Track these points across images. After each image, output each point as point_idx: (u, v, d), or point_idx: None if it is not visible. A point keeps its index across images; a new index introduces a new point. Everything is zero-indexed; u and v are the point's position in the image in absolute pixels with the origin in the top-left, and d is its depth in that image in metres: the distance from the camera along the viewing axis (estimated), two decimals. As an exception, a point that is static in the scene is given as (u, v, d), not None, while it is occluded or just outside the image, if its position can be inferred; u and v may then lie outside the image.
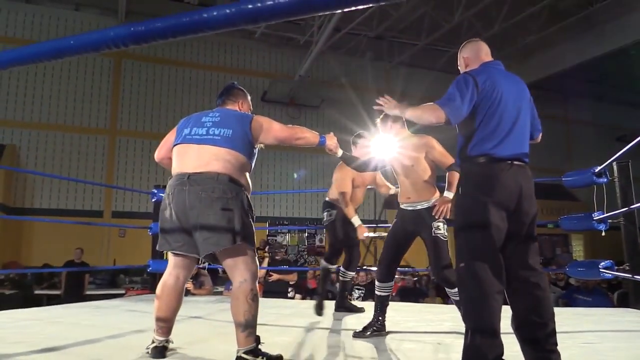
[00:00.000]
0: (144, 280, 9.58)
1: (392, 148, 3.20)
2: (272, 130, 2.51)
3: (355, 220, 3.83)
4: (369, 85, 14.30)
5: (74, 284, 8.23)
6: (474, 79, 2.12)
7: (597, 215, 4.02)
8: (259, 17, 0.82)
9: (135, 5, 11.70)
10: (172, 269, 2.45)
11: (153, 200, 5.53)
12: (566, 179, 4.41)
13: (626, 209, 3.78)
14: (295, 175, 13.17)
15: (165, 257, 5.16)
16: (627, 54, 14.48)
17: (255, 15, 0.81)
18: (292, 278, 6.85)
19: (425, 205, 3.12)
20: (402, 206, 3.23)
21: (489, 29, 12.53)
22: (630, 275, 3.74)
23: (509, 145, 2.11)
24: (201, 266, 2.28)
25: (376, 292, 3.21)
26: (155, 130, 11.62)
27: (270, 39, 13.06)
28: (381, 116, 3.29)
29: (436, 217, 3.05)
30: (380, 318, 3.15)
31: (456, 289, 2.94)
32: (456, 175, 3.10)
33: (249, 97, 2.76)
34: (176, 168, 2.42)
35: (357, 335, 3.06)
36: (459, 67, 2.43)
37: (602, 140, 17.02)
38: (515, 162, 2.10)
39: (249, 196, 2.43)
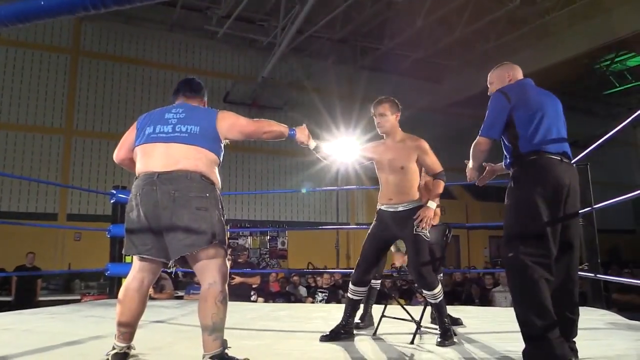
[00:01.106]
0: (101, 285, 9.30)
1: (354, 151, 3.16)
2: (237, 124, 2.41)
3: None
4: (332, 88, 14.36)
5: (25, 290, 7.90)
6: (505, 96, 2.41)
7: (557, 217, 4.12)
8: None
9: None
10: (137, 273, 2.33)
11: (112, 201, 5.35)
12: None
13: (586, 209, 3.88)
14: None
15: (125, 260, 4.99)
16: (581, 62, 15.04)
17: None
18: (255, 281, 6.76)
19: (408, 206, 3.05)
20: (382, 207, 3.14)
21: (449, 35, 12.77)
22: (592, 275, 3.84)
23: (553, 144, 2.34)
24: (170, 270, 2.18)
25: (348, 295, 3.12)
26: (114, 130, 11.29)
27: (233, 40, 12.92)
28: (376, 102, 3.17)
29: (417, 225, 2.98)
30: (349, 320, 3.09)
31: (432, 290, 2.93)
32: (442, 185, 3.09)
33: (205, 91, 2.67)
34: (142, 168, 2.30)
35: (325, 338, 3.00)
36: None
37: (556, 145, 17.58)
38: (564, 160, 2.31)
39: (219, 194, 2.35)
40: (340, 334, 3.02)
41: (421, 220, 2.97)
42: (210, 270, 2.20)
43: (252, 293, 6.77)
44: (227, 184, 12.33)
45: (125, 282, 2.36)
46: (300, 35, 11.76)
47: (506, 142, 2.45)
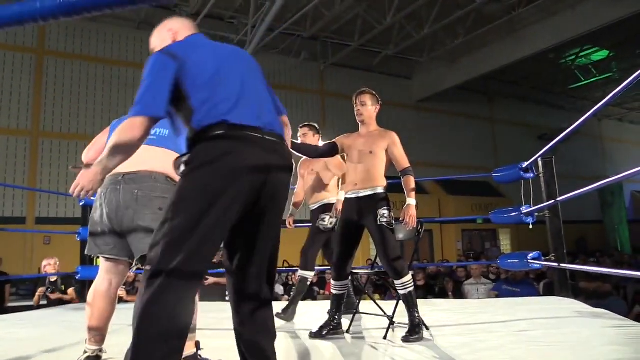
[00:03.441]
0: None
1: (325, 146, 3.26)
2: None
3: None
4: (303, 85, 14.36)
5: (-6, 295, 7.70)
6: (167, 58, 1.75)
7: (525, 209, 4.23)
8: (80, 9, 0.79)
9: None
10: (105, 274, 2.33)
11: (81, 204, 5.26)
12: (496, 175, 4.60)
13: (551, 202, 3.99)
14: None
15: (95, 263, 4.92)
16: (547, 57, 15.38)
17: (76, 8, 0.78)
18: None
19: (368, 192, 3.07)
20: (346, 196, 3.18)
21: (419, 31, 12.91)
22: (556, 264, 3.94)
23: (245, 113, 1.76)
24: (133, 270, 2.18)
25: (332, 291, 3.16)
26: (82, 131, 11.08)
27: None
28: (359, 91, 3.26)
29: (381, 216, 3.03)
30: (336, 317, 3.11)
31: (403, 280, 2.97)
32: (413, 180, 3.13)
33: None
34: None
35: (314, 335, 3.02)
36: None
37: (525, 138, 18.01)
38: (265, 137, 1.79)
39: None
40: (330, 330, 3.05)
41: (407, 222, 3.03)
42: None
43: (226, 293, 6.73)
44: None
45: (93, 285, 2.34)
46: (271, 33, 11.72)
47: (179, 120, 1.77)
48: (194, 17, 11.67)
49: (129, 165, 2.23)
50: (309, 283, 3.92)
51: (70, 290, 6.05)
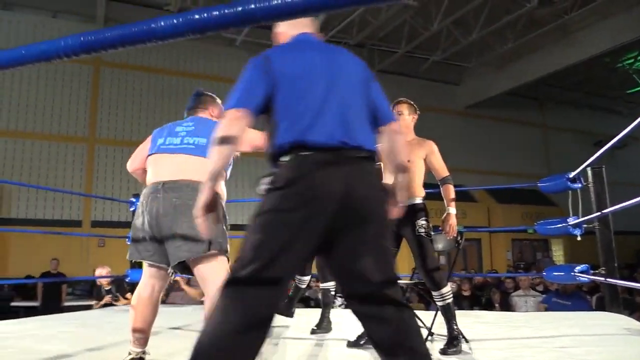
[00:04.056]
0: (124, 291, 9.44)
1: None
2: (247, 138, 2.47)
3: None
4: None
5: (51, 295, 8.10)
6: (263, 64, 1.77)
7: (572, 220, 4.09)
8: (206, 27, 0.82)
9: (113, 13, 11.63)
10: (147, 279, 2.42)
11: (131, 209, 5.47)
12: (542, 185, 4.48)
13: (600, 213, 3.85)
14: None
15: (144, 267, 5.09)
16: (602, 61, 14.81)
17: (202, 26, 0.82)
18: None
19: (407, 203, 3.03)
20: None
21: (467, 37, 12.70)
22: (603, 279, 3.80)
23: (317, 133, 1.62)
24: (170, 276, 2.26)
25: None
26: (135, 138, 11.50)
27: (251, 47, 13.04)
28: (395, 102, 3.20)
29: (419, 226, 3.00)
30: None
31: (442, 291, 2.93)
32: (453, 189, 3.10)
33: (218, 101, 2.71)
34: (151, 177, 2.41)
35: (352, 344, 3.02)
36: None
37: (579, 145, 17.34)
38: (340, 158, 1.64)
39: (223, 205, 2.41)
40: (367, 339, 3.04)
41: (448, 232, 3.01)
42: (211, 279, 2.24)
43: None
44: (234, 191, 12.45)
45: (137, 289, 2.44)
46: (317, 41, 11.82)
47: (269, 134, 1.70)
48: (242, 26, 11.95)
49: (169, 174, 2.32)
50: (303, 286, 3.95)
51: (129, 295, 6.26)
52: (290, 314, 3.88)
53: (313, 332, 3.61)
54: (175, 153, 2.38)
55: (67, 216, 11.09)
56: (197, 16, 0.81)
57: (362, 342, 3.02)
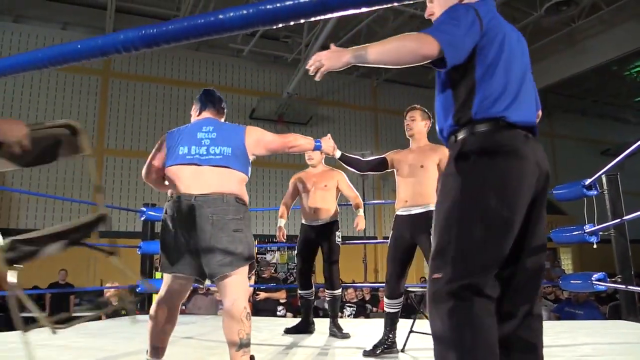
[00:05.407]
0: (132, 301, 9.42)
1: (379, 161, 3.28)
2: (263, 141, 2.48)
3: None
4: (357, 101, 14.42)
5: (59, 306, 8.08)
6: (475, 12, 1.52)
7: (588, 228, 4.04)
8: (278, 18, 0.78)
9: (122, 24, 11.70)
10: (168, 289, 2.37)
11: (142, 218, 5.47)
12: (557, 192, 4.44)
13: (617, 220, 3.80)
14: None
15: (155, 277, 5.08)
16: (609, 69, 14.78)
17: (274, 16, 0.78)
18: (281, 296, 6.77)
19: (421, 210, 3.03)
20: (397, 212, 3.15)
21: (474, 46, 12.70)
22: (623, 287, 3.75)
23: (520, 111, 1.54)
24: (202, 287, 2.25)
25: (385, 309, 3.13)
26: (143, 148, 11.54)
27: (258, 57, 13.11)
28: (410, 107, 3.24)
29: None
30: (390, 335, 3.07)
31: None
32: None
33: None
34: (179, 189, 2.33)
35: (368, 354, 2.99)
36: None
37: (586, 154, 17.28)
38: (530, 135, 1.56)
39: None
40: (384, 349, 3.01)
41: None
42: (233, 286, 2.23)
43: (279, 308, 6.78)
44: (255, 200, 12.43)
45: (156, 298, 2.40)
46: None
47: (452, 93, 1.58)
48: (250, 37, 12.00)
49: (200, 187, 2.28)
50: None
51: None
52: (312, 330, 3.95)
53: (287, 331, 3.92)
54: (203, 165, 2.34)
55: (75, 226, 11.07)
56: (269, 6, 0.77)
57: (378, 352, 2.99)
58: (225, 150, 2.36)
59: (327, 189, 4.04)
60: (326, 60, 1.53)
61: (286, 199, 4.27)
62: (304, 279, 4.06)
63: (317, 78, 1.58)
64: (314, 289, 4.11)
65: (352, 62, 1.51)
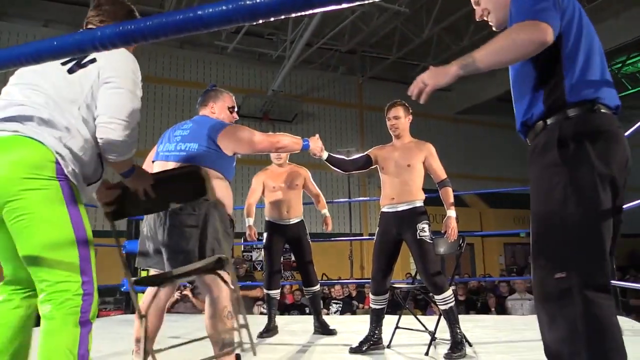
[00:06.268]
0: (117, 301, 9.34)
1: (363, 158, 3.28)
2: (244, 140, 2.41)
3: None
4: (342, 99, 14.44)
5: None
6: None
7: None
8: (257, 13, 0.77)
9: (105, 21, 11.58)
10: (154, 288, 2.36)
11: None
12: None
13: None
14: None
15: (139, 276, 5.03)
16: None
17: (253, 12, 0.77)
18: (257, 294, 6.75)
19: (407, 206, 3.06)
20: (383, 209, 3.17)
21: (458, 43, 12.79)
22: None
23: (610, 92, 1.50)
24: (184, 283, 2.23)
25: (371, 305, 3.15)
26: (134, 148, 11.42)
27: (243, 55, 13.05)
28: (389, 105, 3.26)
29: (420, 230, 3.01)
30: (376, 331, 3.10)
31: (443, 295, 2.92)
32: (450, 192, 3.11)
33: (223, 95, 2.63)
34: None
35: (354, 350, 3.01)
36: None
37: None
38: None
39: (225, 210, 2.34)
40: (370, 345, 3.03)
41: (450, 235, 3.02)
42: (210, 285, 2.20)
43: (257, 305, 6.74)
44: (240, 198, 12.37)
45: (143, 298, 2.40)
46: (309, 48, 11.84)
47: (537, 78, 1.51)
48: (234, 34, 11.94)
49: None
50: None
51: None
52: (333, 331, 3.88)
53: (260, 336, 3.77)
54: (168, 160, 2.36)
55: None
56: (248, 2, 0.75)
57: (364, 348, 3.01)
58: (191, 147, 2.34)
59: (297, 188, 4.06)
60: (429, 79, 1.50)
61: (252, 198, 4.21)
62: (274, 278, 4.02)
63: (421, 101, 1.56)
64: (280, 289, 4.13)
65: (460, 74, 1.45)
